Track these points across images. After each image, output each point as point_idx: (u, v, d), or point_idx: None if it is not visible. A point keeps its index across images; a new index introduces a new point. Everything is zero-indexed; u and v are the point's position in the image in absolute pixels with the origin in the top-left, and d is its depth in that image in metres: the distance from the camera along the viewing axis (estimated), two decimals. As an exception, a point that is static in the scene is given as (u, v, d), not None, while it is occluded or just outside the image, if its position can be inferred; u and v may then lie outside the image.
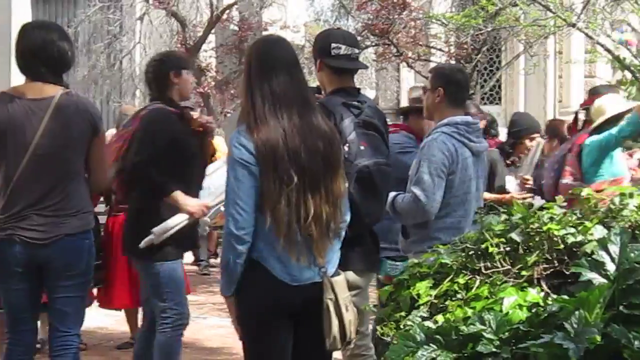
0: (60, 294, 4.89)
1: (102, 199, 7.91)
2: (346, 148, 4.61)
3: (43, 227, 4.78)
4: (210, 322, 9.31)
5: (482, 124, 6.71)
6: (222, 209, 4.64)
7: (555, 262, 3.00)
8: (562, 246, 3.02)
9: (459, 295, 3.06)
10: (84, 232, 4.86)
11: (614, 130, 6.55)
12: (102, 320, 8.71)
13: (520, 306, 2.81)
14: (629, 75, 13.18)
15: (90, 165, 4.91)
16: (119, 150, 5.50)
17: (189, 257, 12.21)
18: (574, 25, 11.78)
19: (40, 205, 4.78)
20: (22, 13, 18.55)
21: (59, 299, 4.90)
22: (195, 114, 5.81)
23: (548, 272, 2.99)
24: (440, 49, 16.92)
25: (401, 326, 3.07)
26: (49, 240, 4.78)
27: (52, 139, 4.75)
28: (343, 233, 4.17)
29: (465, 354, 2.70)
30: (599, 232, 2.99)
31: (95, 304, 7.72)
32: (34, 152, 4.74)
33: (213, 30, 17.90)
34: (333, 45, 4.92)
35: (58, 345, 4.94)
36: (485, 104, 20.03)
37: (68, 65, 4.91)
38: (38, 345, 6.17)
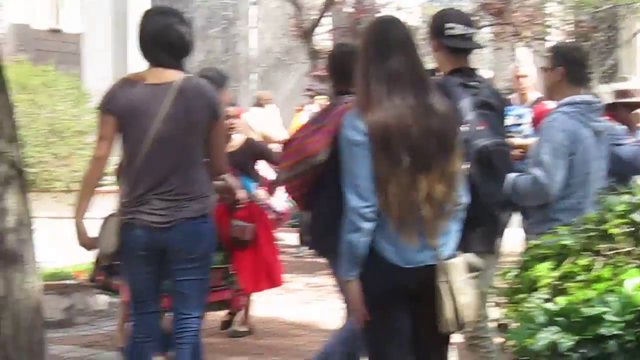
0: (182, 277, 4.95)
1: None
2: (464, 128, 4.59)
3: (164, 211, 4.84)
4: (329, 304, 9.35)
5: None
6: None
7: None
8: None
9: (579, 277, 3.02)
10: (204, 215, 4.91)
11: None
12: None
13: (644, 288, 2.76)
14: None
15: (210, 149, 4.96)
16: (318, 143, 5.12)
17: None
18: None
19: (161, 190, 4.84)
20: (138, 0, 18.82)
21: (180, 282, 4.97)
22: None
23: (672, 252, 2.93)
24: (557, 28, 16.63)
25: (521, 308, 3.04)
26: (169, 224, 4.85)
27: (173, 123, 4.81)
28: (461, 214, 4.14)
29: (587, 337, 2.66)
30: None
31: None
32: (155, 137, 4.80)
33: (328, 13, 17.89)
34: (447, 25, 4.90)
35: (179, 327, 5.01)
36: (605, 82, 19.62)
37: (188, 50, 4.97)
38: None
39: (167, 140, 4.81)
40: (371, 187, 3.93)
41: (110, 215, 4.99)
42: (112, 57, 17.62)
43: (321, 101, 13.12)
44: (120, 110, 4.85)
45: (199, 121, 4.87)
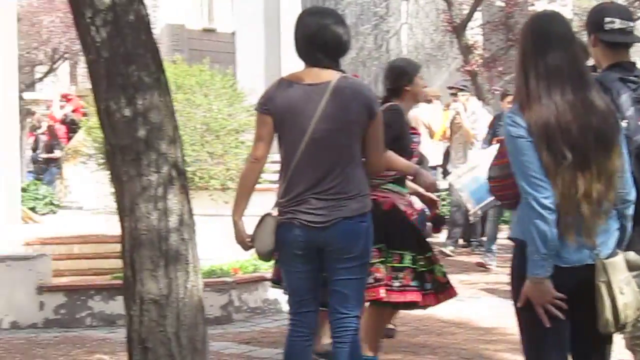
0: (340, 277, 4.96)
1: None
2: (624, 124, 4.47)
3: (321, 211, 4.86)
4: (483, 301, 9.28)
5: None
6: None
7: None
8: None
9: None
10: (361, 214, 4.91)
11: None
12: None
13: None
14: None
15: (367, 148, 4.96)
16: None
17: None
18: None
19: (319, 189, 4.87)
20: (290, -1, 18.99)
21: (338, 281, 4.98)
22: None
23: None
24: None
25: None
26: (327, 224, 4.87)
27: (329, 122, 4.83)
28: (629, 212, 4.04)
29: None
30: None
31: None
32: (312, 137, 4.83)
33: (479, 8, 17.73)
34: (606, 19, 4.77)
35: (337, 326, 5.02)
36: None
37: (344, 49, 4.99)
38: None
39: (324, 139, 4.83)
40: (545, 177, 3.87)
41: (267, 215, 5.04)
42: (264, 55, 17.82)
43: (463, 99, 13.03)
44: (278, 110, 4.89)
45: (355, 120, 4.87)
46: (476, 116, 12.79)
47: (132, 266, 4.27)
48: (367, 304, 6.04)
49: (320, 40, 4.92)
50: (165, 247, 4.24)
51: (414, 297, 6.19)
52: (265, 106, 4.94)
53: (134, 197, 4.23)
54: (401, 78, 6.42)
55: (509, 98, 11.85)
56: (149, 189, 4.22)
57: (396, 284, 6.09)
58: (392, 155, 5.93)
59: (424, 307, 6.44)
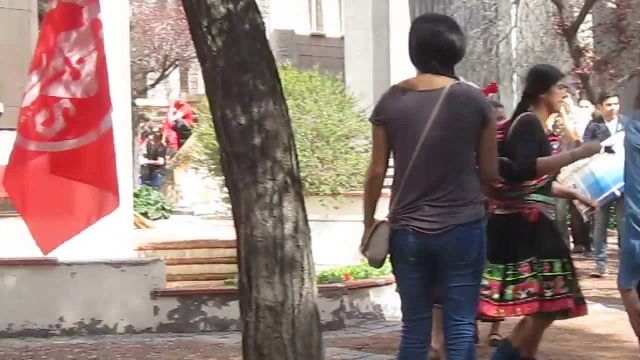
0: (454, 284, 4.92)
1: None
2: None
3: (435, 218, 4.83)
4: (597, 308, 9.11)
5: None
6: None
7: None
8: None
9: None
10: (475, 222, 4.86)
11: None
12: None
13: None
14: None
15: (480, 156, 4.92)
16: None
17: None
18: None
19: (432, 196, 4.84)
20: (399, 4, 19.01)
21: (452, 288, 4.94)
22: None
23: None
24: None
25: None
26: (441, 231, 4.83)
27: (442, 129, 4.80)
28: None
29: None
30: None
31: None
32: (425, 143, 4.80)
33: (591, 10, 17.45)
34: None
35: (452, 334, 4.98)
36: None
37: (457, 56, 4.95)
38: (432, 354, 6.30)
39: (437, 146, 4.80)
40: None
41: (381, 222, 5.03)
42: (373, 61, 17.86)
43: (570, 101, 12.84)
44: (390, 119, 4.89)
45: (468, 127, 4.83)
46: (577, 117, 12.63)
47: (248, 273, 4.31)
48: (524, 316, 6.13)
49: (433, 47, 4.90)
50: (281, 254, 4.27)
51: (566, 304, 6.12)
52: (378, 117, 4.94)
53: (250, 205, 4.27)
54: (538, 85, 6.24)
55: (610, 100, 11.65)
56: (265, 197, 4.26)
57: (548, 293, 6.02)
58: (542, 160, 5.86)
59: (577, 315, 6.36)
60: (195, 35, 4.30)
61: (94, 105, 5.45)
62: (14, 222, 10.86)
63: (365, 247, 5.08)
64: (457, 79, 4.94)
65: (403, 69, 18.49)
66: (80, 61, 5.45)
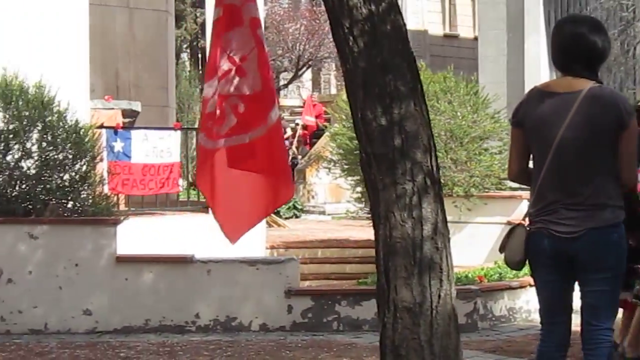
0: (590, 288, 4.85)
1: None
2: None
3: (571, 221, 4.77)
4: None
5: None
6: None
7: None
8: None
9: None
10: (613, 225, 4.77)
11: None
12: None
13: None
14: None
15: (619, 161, 4.82)
16: None
17: None
18: None
19: (568, 199, 4.78)
20: (533, 4, 18.72)
21: (589, 292, 4.87)
22: None
23: None
24: None
25: None
26: (576, 234, 4.76)
27: (576, 131, 4.73)
28: None
29: None
30: None
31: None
32: (559, 146, 4.75)
33: None
34: None
35: (590, 339, 4.90)
36: None
37: (599, 58, 4.86)
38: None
39: (571, 148, 4.74)
40: None
41: (518, 225, 5.00)
42: (507, 62, 17.64)
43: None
44: (528, 121, 4.86)
45: (603, 130, 4.74)
46: None
47: (387, 274, 4.31)
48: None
49: (574, 49, 4.84)
50: (420, 255, 4.26)
51: None
52: (515, 118, 4.95)
53: (389, 205, 4.27)
54: None
55: None
56: (404, 197, 4.25)
57: None
58: None
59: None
60: (337, 36, 4.33)
61: (260, 100, 5.58)
62: (150, 220, 11.16)
63: (501, 248, 5.06)
64: (600, 82, 4.85)
65: (537, 70, 18.27)
66: (244, 59, 5.57)
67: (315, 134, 23.94)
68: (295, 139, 23.94)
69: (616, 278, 4.90)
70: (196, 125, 23.22)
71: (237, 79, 5.58)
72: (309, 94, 25.74)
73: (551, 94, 4.85)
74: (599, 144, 4.75)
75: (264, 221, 11.67)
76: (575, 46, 4.83)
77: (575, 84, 4.81)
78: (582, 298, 4.91)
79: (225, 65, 5.60)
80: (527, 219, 4.97)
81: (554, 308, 4.98)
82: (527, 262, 4.99)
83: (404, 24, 4.36)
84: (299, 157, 22.73)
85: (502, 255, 5.10)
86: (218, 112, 5.60)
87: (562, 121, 4.74)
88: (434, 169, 4.34)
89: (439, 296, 4.29)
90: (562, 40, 4.90)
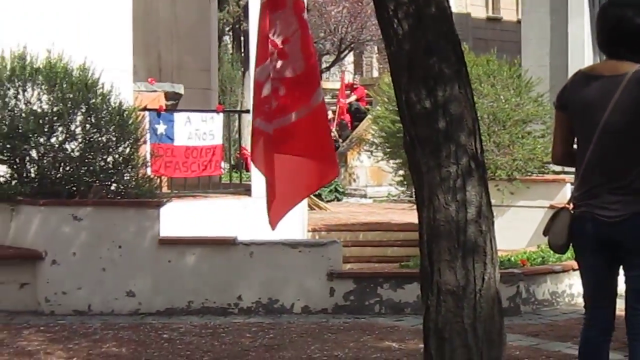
0: (634, 272, 4.81)
1: None
2: None
3: (615, 205, 4.73)
4: None
5: None
6: None
7: None
8: None
9: None
10: (657, 211, 4.74)
11: None
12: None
13: None
14: None
15: None
16: None
17: None
18: None
19: (612, 184, 4.74)
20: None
21: (633, 277, 4.83)
22: None
23: None
24: None
25: None
26: (619, 219, 4.73)
27: (621, 115, 4.69)
28: None
29: None
30: None
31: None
32: (604, 129, 4.72)
33: None
34: None
35: (634, 324, 4.87)
36: None
37: (644, 42, 4.82)
38: None
39: (616, 133, 4.70)
40: None
41: (562, 208, 4.97)
42: (550, 45, 17.51)
43: None
44: (572, 104, 4.84)
45: None
46: None
47: (430, 257, 4.30)
48: None
49: (619, 32, 4.79)
50: (463, 239, 4.25)
51: None
52: (559, 101, 4.93)
53: (433, 188, 4.26)
54: None
55: None
56: (448, 180, 4.24)
57: None
58: None
59: None
60: (381, 19, 4.31)
61: (303, 82, 5.58)
62: (193, 202, 11.22)
63: (545, 231, 5.03)
64: None
65: (581, 54, 18.11)
66: (286, 41, 5.57)
67: (356, 117, 23.92)
68: (335, 122, 23.94)
69: (660, 264, 4.86)
70: (238, 108, 23.32)
71: (279, 62, 5.59)
72: (342, 77, 25.74)
73: (596, 77, 4.81)
74: (642, 128, 4.71)
75: (305, 203, 11.73)
76: (619, 29, 4.79)
77: (620, 67, 4.77)
78: (626, 282, 4.88)
79: (268, 47, 5.61)
80: (571, 203, 4.94)
81: (598, 292, 4.95)
82: (570, 246, 4.97)
83: (449, 6, 4.35)
84: (340, 140, 22.73)
85: (546, 239, 5.08)
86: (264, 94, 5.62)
87: (606, 104, 4.70)
88: (478, 152, 4.32)
89: (483, 279, 4.28)
90: (605, 23, 4.85)
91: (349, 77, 28.56)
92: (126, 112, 9.26)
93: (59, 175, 8.99)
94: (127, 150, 9.25)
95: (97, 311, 8.57)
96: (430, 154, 4.25)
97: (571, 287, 9.06)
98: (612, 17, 4.83)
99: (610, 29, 4.82)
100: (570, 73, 17.36)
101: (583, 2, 17.80)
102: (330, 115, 24.47)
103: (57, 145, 8.99)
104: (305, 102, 5.57)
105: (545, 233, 5.06)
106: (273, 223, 5.72)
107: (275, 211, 5.69)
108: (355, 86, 24.74)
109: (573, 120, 4.86)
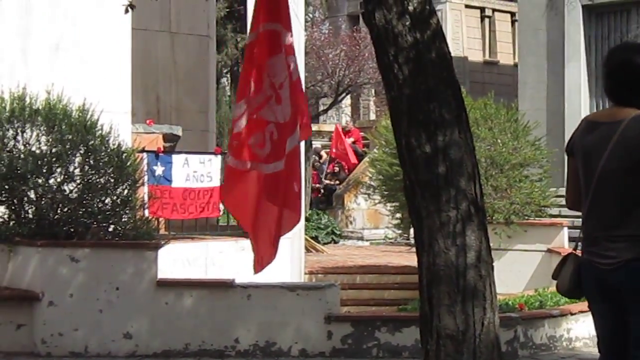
0: (631, 318, 4.80)
1: None
2: None
3: (611, 252, 4.71)
4: None
5: None
6: None
7: None
8: None
9: None
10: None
11: None
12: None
13: None
14: None
15: None
16: None
17: None
18: None
19: (609, 231, 4.72)
20: (573, 31, 18.68)
21: (632, 323, 4.82)
22: None
23: None
24: None
25: None
26: (614, 266, 4.72)
27: (615, 162, 4.69)
28: None
29: None
30: None
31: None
32: (600, 177, 4.72)
33: None
34: None
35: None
36: None
37: (644, 85, 4.84)
38: None
39: (610, 180, 4.70)
40: None
41: (571, 254, 4.97)
42: (547, 89, 17.62)
43: None
44: (577, 151, 4.85)
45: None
46: None
47: (430, 301, 4.31)
48: None
49: (618, 76, 4.80)
50: (463, 283, 4.26)
51: None
52: (568, 148, 4.94)
53: (433, 233, 4.28)
54: None
55: None
56: (448, 225, 4.26)
57: None
58: None
59: None
60: (382, 64, 4.35)
61: (287, 130, 5.63)
62: (191, 244, 11.21)
63: (554, 275, 5.03)
64: None
65: (577, 98, 18.19)
66: (280, 86, 5.63)
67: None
68: (326, 168, 23.97)
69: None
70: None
71: (275, 106, 5.63)
72: (337, 124, 25.79)
73: (596, 124, 4.82)
74: (637, 175, 4.71)
75: (302, 245, 11.73)
76: (621, 71, 4.79)
77: (618, 113, 4.77)
78: (628, 328, 4.87)
79: (268, 89, 5.65)
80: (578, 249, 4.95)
81: (607, 337, 4.92)
82: (578, 291, 4.96)
83: (449, 52, 4.38)
84: (337, 182, 22.74)
85: (544, 283, 5.08)
86: (260, 137, 5.64)
87: (603, 151, 4.70)
88: (478, 196, 4.34)
89: (483, 324, 4.29)
90: (610, 67, 4.86)
91: (345, 119, 28.64)
92: (125, 154, 9.27)
93: (57, 216, 8.98)
94: (126, 191, 9.24)
95: (93, 353, 8.53)
96: (430, 199, 4.27)
97: (569, 331, 9.04)
98: (615, 60, 4.84)
99: (613, 71, 4.82)
100: (567, 117, 17.47)
101: (579, 47, 17.91)
102: (325, 156, 24.52)
103: (55, 187, 8.98)
104: (285, 151, 5.62)
105: (554, 277, 5.05)
106: (256, 268, 5.73)
107: (262, 255, 5.70)
108: (347, 129, 24.77)
109: (579, 167, 4.87)
